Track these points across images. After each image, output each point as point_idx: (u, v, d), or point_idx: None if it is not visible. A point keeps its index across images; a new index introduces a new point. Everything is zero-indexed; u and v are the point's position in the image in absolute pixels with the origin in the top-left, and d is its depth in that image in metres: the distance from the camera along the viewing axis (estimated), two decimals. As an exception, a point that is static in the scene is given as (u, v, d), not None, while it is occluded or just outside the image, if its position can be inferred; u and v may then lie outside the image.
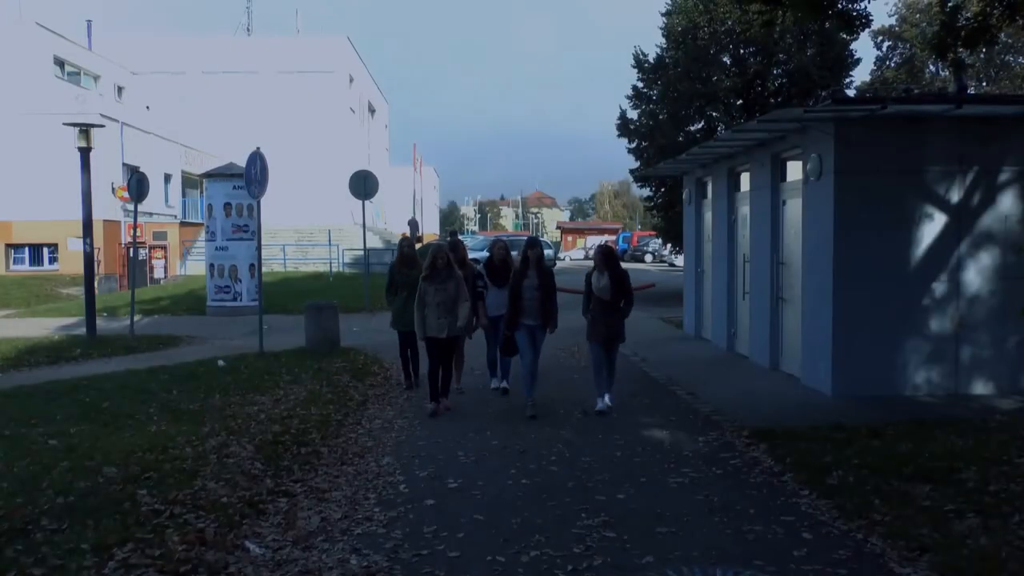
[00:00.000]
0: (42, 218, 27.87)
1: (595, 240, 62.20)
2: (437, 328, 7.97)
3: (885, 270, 8.32)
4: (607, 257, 7.98)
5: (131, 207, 16.46)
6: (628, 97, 21.51)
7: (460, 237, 10.41)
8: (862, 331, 8.29)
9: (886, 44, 37.73)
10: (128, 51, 39.12)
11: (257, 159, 11.83)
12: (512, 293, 8.02)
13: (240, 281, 18.09)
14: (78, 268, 21.11)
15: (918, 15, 35.26)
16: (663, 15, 21.05)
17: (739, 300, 11.48)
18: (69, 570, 4.05)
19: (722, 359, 11.28)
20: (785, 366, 9.86)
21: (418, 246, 13.97)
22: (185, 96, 40.15)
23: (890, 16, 37.53)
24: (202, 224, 28.91)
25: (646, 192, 23.64)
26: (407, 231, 40.50)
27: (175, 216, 34.32)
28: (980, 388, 8.43)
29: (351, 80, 44.65)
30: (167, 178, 34.61)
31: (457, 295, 8.02)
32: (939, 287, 8.39)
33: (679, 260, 29.48)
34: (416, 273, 8.85)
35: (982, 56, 29.43)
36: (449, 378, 8.36)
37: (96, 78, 36.23)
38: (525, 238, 10.25)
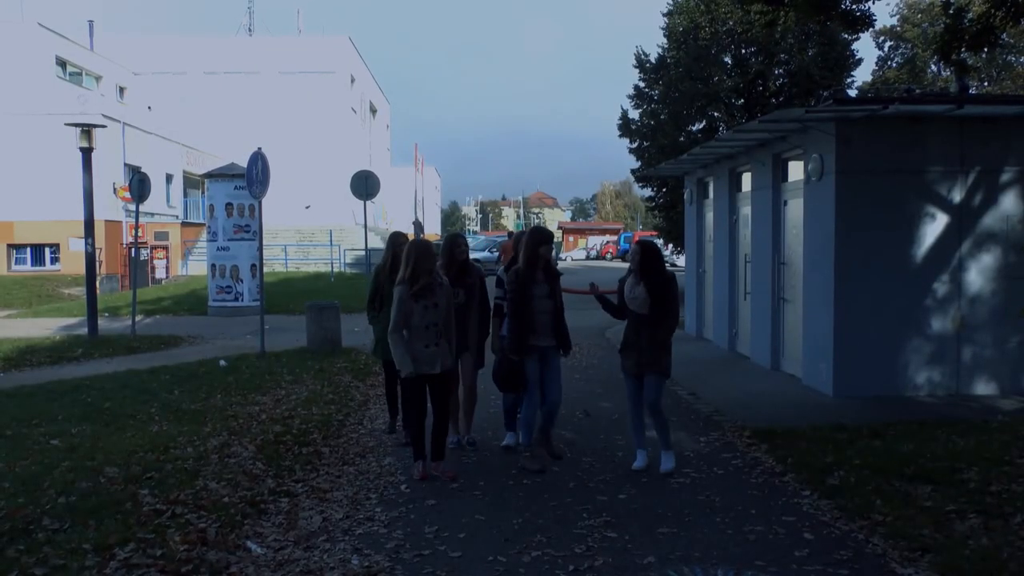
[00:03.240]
0: (44, 218, 27.90)
1: (597, 240, 62.07)
2: (427, 361, 5.72)
3: (886, 270, 8.32)
4: (646, 258, 5.96)
5: (133, 207, 16.48)
6: (629, 97, 21.50)
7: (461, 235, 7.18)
8: (863, 331, 8.28)
9: (888, 44, 37.72)
10: (130, 51, 39.17)
11: (258, 159, 11.84)
12: (516, 302, 5.99)
13: (241, 281, 18.12)
14: (80, 268, 21.15)
15: (919, 15, 35.25)
16: (664, 15, 21.05)
17: (740, 300, 11.48)
18: (71, 570, 4.05)
19: (723, 359, 11.27)
20: (786, 366, 9.86)
21: None
22: (186, 96, 40.19)
23: (892, 16, 37.55)
24: (203, 224, 28.94)
25: (647, 192, 23.65)
26: (411, 232, 40.62)
27: (176, 216, 34.35)
28: (982, 388, 8.42)
29: (352, 80, 44.67)
30: (169, 178, 34.64)
31: (450, 312, 5.92)
32: (940, 287, 8.38)
33: (680, 260, 29.46)
34: None
35: (983, 56, 29.42)
36: (445, 431, 6.05)
37: (98, 78, 36.27)
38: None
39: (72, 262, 27.56)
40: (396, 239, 7.04)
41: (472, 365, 6.70)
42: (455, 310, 6.11)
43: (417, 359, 5.70)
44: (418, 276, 5.68)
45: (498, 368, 6.19)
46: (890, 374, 8.34)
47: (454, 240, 6.71)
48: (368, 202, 17.67)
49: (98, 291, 15.89)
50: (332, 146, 41.08)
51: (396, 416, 7.26)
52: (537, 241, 6.11)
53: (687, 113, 20.27)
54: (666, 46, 20.82)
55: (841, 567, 4.25)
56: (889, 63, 37.48)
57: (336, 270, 31.71)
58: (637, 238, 53.33)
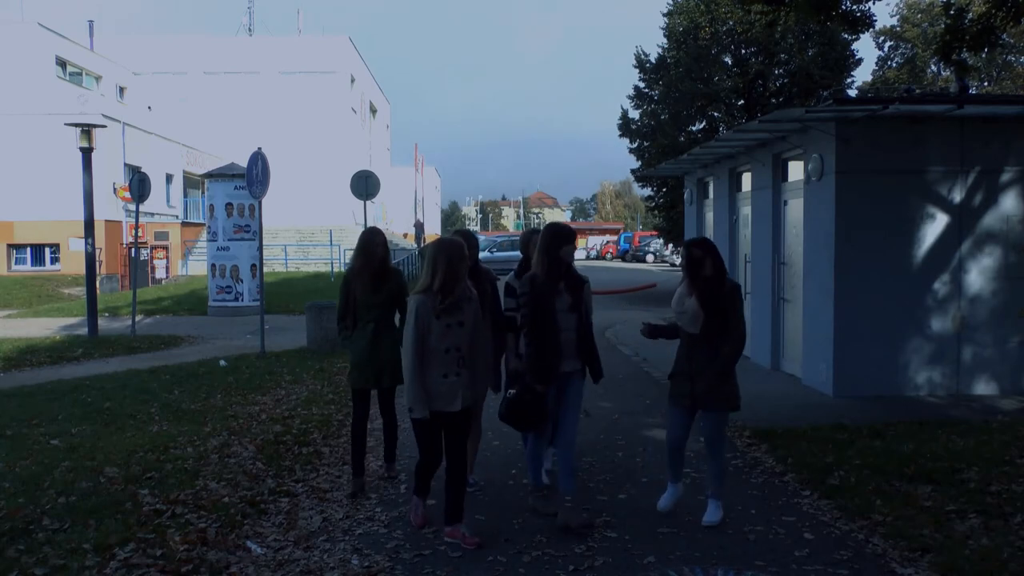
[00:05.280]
0: (44, 218, 27.91)
1: (597, 240, 61.80)
2: (445, 395, 4.51)
3: (886, 270, 8.31)
4: (696, 263, 4.77)
5: (133, 207, 16.49)
6: (630, 97, 21.55)
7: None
8: (863, 331, 8.28)
9: (888, 44, 37.75)
10: (130, 51, 39.20)
11: (258, 159, 11.84)
12: (535, 318, 4.81)
13: (241, 281, 18.12)
14: (80, 268, 21.16)
15: (919, 15, 35.27)
16: (665, 15, 21.07)
17: (740, 300, 11.47)
18: (71, 570, 4.06)
19: (723, 359, 11.25)
20: (786, 367, 9.86)
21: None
22: (187, 96, 40.20)
23: (892, 16, 37.64)
24: (203, 224, 28.94)
25: (647, 192, 23.69)
26: (410, 233, 40.46)
27: (177, 216, 34.35)
28: (982, 388, 8.42)
29: (352, 80, 44.67)
30: (169, 178, 34.65)
31: (476, 332, 4.66)
32: (941, 287, 8.38)
33: (680, 260, 29.43)
34: (391, 289, 5.55)
35: (983, 56, 29.44)
36: (463, 486, 4.76)
37: (98, 78, 36.28)
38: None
39: (72, 262, 27.57)
40: (372, 237, 5.67)
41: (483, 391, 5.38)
42: None
43: (433, 393, 4.48)
44: (452, 287, 4.45)
45: (516, 402, 4.90)
46: (890, 374, 8.34)
47: (464, 238, 5.37)
48: (368, 202, 17.66)
49: (98, 291, 15.89)
50: (332, 146, 41.08)
51: (362, 474, 5.65)
52: (556, 241, 4.85)
53: (687, 113, 20.30)
54: (666, 46, 20.84)
55: (841, 567, 4.25)
56: (889, 63, 37.51)
57: (336, 270, 31.71)
58: (637, 238, 52.82)
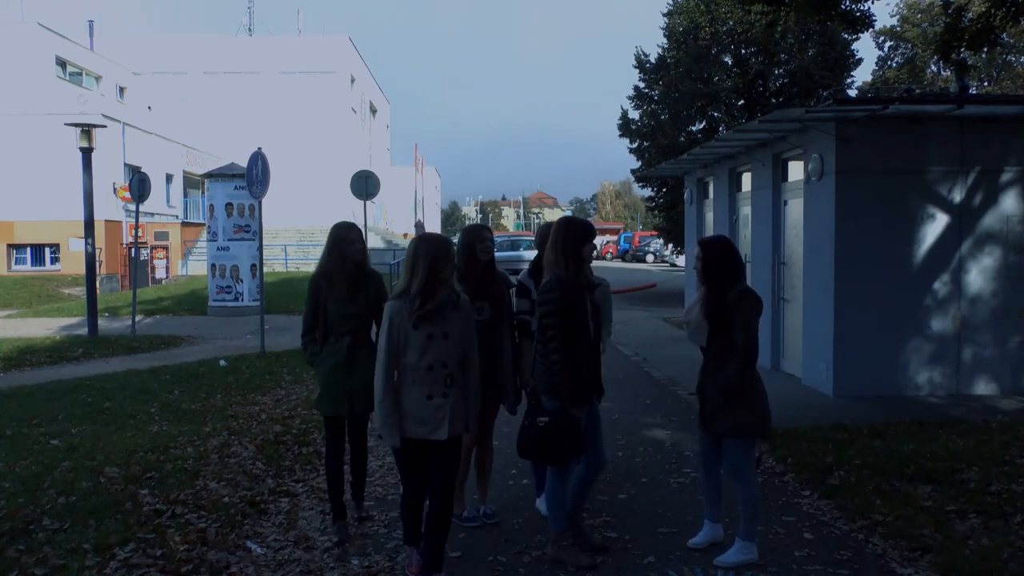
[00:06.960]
0: (44, 218, 27.91)
1: (597, 240, 61.66)
2: (427, 420, 3.81)
3: (886, 270, 8.32)
4: (708, 264, 4.21)
5: (133, 207, 16.49)
6: (630, 97, 21.55)
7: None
8: (863, 331, 8.28)
9: (888, 44, 37.78)
10: (130, 51, 39.22)
11: (258, 159, 11.84)
12: (568, 326, 4.09)
13: (241, 281, 18.12)
14: (80, 268, 21.16)
15: (919, 15, 35.28)
16: (665, 15, 21.07)
17: (740, 300, 11.47)
18: (71, 570, 4.06)
19: (723, 359, 11.24)
20: (786, 366, 9.86)
21: None
22: (187, 96, 40.22)
23: (892, 16, 37.66)
24: (203, 224, 28.94)
25: (647, 192, 23.68)
26: (411, 234, 40.41)
27: (176, 216, 34.35)
28: (982, 388, 8.42)
29: (352, 80, 44.69)
30: (169, 178, 34.65)
31: (465, 345, 3.91)
32: (941, 287, 8.38)
33: (680, 260, 29.49)
34: (368, 296, 4.65)
35: (983, 56, 29.44)
36: (445, 531, 3.93)
37: (98, 78, 36.29)
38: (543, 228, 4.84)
39: (72, 262, 27.56)
40: (346, 234, 4.69)
41: (492, 411, 4.89)
42: (478, 331, 4.12)
43: (415, 418, 3.81)
44: (433, 291, 3.77)
45: (554, 432, 4.11)
46: (890, 374, 8.34)
47: (477, 233, 4.81)
48: (368, 202, 17.68)
49: (98, 291, 15.90)
50: (332, 146, 41.09)
51: (343, 508, 4.79)
52: (578, 237, 4.19)
53: (687, 113, 20.30)
54: (666, 46, 20.85)
55: (841, 567, 4.25)
56: (889, 63, 37.54)
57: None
58: (637, 238, 52.64)
